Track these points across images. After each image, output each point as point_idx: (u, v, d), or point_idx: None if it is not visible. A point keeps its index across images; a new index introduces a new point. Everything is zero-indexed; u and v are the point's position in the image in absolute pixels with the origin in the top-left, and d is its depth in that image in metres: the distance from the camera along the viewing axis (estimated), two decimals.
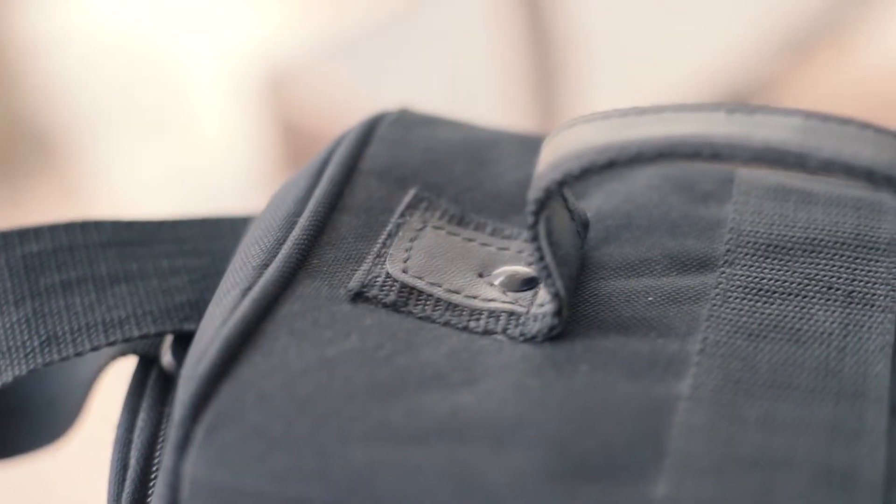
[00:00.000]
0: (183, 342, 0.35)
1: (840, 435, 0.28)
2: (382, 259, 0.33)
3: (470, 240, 0.35)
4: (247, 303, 0.31)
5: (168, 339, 0.36)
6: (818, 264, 0.33)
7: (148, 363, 0.36)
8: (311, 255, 0.33)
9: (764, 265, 0.33)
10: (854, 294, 0.32)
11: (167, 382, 0.35)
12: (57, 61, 1.52)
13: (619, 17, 1.27)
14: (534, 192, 0.30)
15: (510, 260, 0.34)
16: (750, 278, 0.32)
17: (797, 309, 0.32)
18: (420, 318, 0.32)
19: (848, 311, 0.31)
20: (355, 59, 1.26)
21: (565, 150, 0.30)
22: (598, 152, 0.30)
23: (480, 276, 0.33)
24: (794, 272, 0.33)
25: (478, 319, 0.32)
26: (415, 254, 0.34)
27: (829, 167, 0.28)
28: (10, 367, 0.34)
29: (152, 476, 0.33)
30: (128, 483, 0.33)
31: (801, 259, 0.33)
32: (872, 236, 0.33)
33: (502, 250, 0.34)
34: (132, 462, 0.33)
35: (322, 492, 0.28)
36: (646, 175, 0.36)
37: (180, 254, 0.37)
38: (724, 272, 0.33)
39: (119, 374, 0.39)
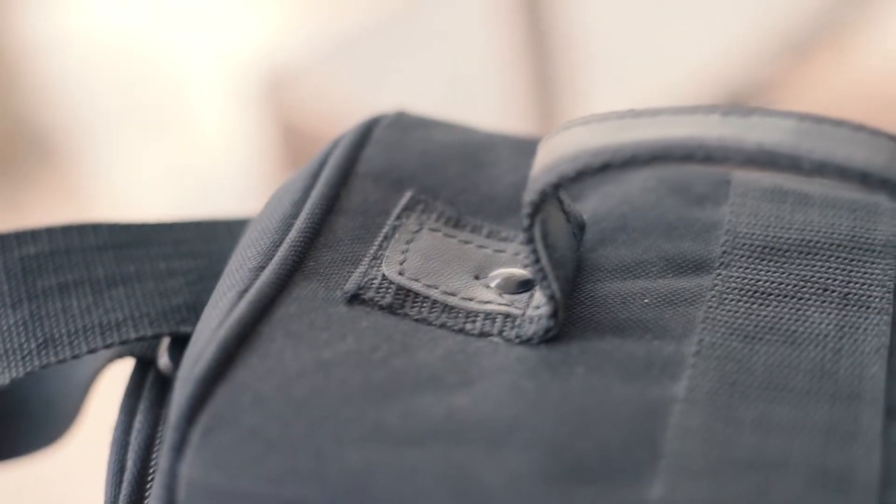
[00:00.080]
0: (180, 344, 0.35)
1: (835, 437, 0.28)
2: (379, 261, 0.33)
3: (466, 242, 0.35)
4: (243, 305, 0.31)
5: (165, 342, 0.36)
6: (814, 266, 0.33)
7: (145, 365, 0.36)
8: (307, 258, 0.33)
9: (760, 267, 0.33)
10: (850, 296, 0.32)
11: (164, 385, 0.35)
12: (57, 62, 1.52)
13: (619, 17, 1.27)
14: (529, 195, 0.30)
15: (506, 262, 0.34)
16: (746, 280, 0.32)
17: (793, 311, 0.32)
18: (416, 320, 0.32)
19: (844, 312, 0.32)
20: (355, 60, 1.26)
21: (561, 152, 0.30)
22: (594, 155, 0.30)
23: (477, 278, 0.33)
24: (790, 274, 0.33)
25: (474, 321, 0.32)
26: (411, 256, 0.34)
27: (823, 169, 0.28)
28: (8, 369, 0.34)
29: (149, 478, 0.33)
30: (125, 485, 0.33)
31: (797, 261, 0.33)
32: (868, 238, 0.34)
33: (498, 252, 0.34)
34: (129, 464, 0.34)
35: (318, 494, 0.28)
36: (642, 177, 0.36)
37: (177, 256, 0.37)
38: (720, 274, 0.33)
39: (116, 377, 0.39)
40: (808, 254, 0.33)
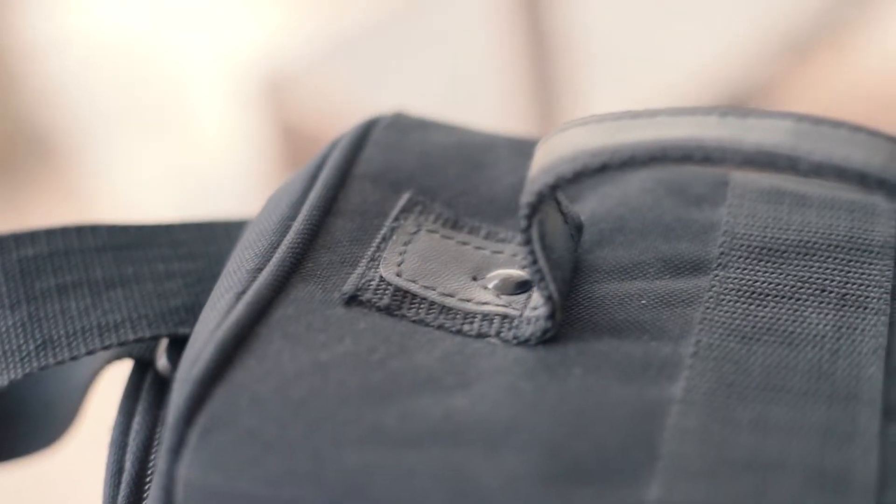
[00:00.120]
0: (178, 346, 0.35)
1: (833, 437, 0.28)
2: (376, 263, 0.33)
3: (464, 243, 0.35)
4: (241, 306, 0.31)
5: (163, 343, 0.36)
6: (812, 267, 0.33)
7: (143, 367, 0.36)
8: (305, 259, 0.33)
9: (757, 268, 0.33)
10: (847, 297, 0.32)
11: (162, 386, 0.35)
12: (57, 63, 1.52)
13: (619, 17, 1.27)
14: (526, 196, 0.30)
15: (504, 263, 0.34)
16: (743, 281, 0.32)
17: (790, 312, 0.32)
18: (414, 321, 0.32)
19: (841, 313, 0.32)
20: (355, 61, 1.26)
21: (558, 153, 0.30)
22: (591, 156, 0.30)
23: (474, 279, 0.34)
24: (788, 275, 0.33)
25: (471, 323, 0.32)
26: (409, 257, 0.34)
27: (820, 170, 0.28)
28: (6, 370, 0.34)
29: (147, 479, 0.33)
30: (123, 486, 0.33)
31: (795, 262, 0.33)
32: (866, 239, 0.34)
33: (496, 254, 0.34)
34: (127, 465, 0.34)
35: (316, 495, 0.28)
36: (640, 178, 0.36)
37: (175, 257, 0.37)
38: (717, 275, 0.33)
39: (115, 378, 0.39)
40: (806, 255, 0.33)
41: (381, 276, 0.33)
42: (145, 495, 0.33)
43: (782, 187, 0.35)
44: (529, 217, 0.30)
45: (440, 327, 0.32)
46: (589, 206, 0.35)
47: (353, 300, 0.32)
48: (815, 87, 1.26)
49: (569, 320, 0.32)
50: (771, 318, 0.31)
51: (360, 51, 1.28)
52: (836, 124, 0.29)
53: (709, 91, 1.19)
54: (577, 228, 0.34)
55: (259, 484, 0.28)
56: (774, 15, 1.26)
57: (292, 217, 0.34)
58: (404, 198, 0.35)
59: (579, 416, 0.29)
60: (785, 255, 0.33)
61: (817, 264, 0.33)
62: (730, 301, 0.32)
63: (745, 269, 0.33)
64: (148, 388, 0.35)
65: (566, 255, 0.32)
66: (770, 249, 0.33)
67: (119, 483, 0.33)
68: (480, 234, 0.35)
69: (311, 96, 1.22)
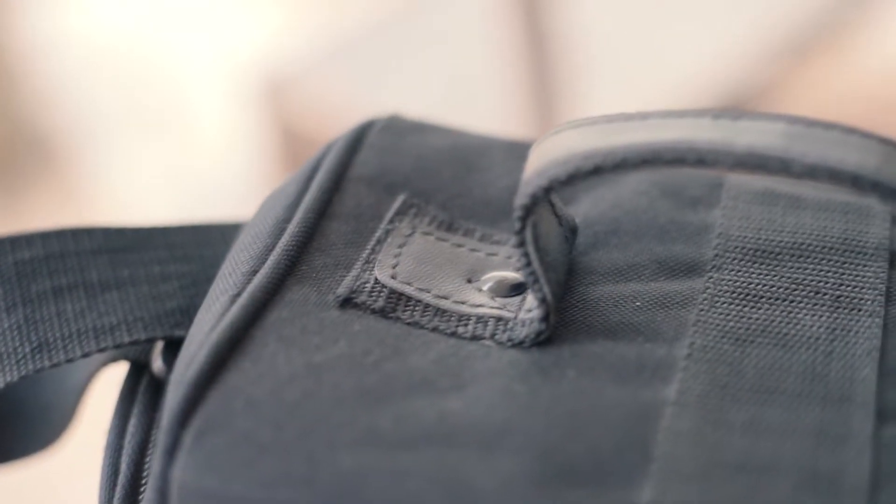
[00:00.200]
0: (173, 348, 0.35)
1: (826, 439, 0.28)
2: (371, 265, 0.33)
3: (459, 245, 0.35)
4: (235, 309, 0.31)
5: (159, 345, 0.36)
6: (806, 269, 0.33)
7: (139, 369, 0.36)
8: (300, 262, 0.33)
9: (752, 270, 0.33)
10: (841, 298, 0.32)
11: (158, 388, 0.35)
12: (56, 64, 1.52)
13: (619, 18, 1.27)
14: (520, 198, 0.30)
15: (498, 265, 0.34)
16: (737, 283, 0.32)
17: (784, 314, 0.32)
18: (408, 323, 0.32)
19: (835, 315, 0.32)
20: (354, 62, 1.26)
21: (552, 155, 0.30)
22: (584, 158, 0.30)
23: (469, 281, 0.34)
24: (782, 277, 0.33)
25: (466, 325, 0.32)
26: (403, 260, 0.34)
27: (813, 172, 0.29)
28: (2, 373, 0.35)
29: (142, 481, 0.33)
30: (118, 488, 0.33)
31: (789, 264, 0.33)
32: (860, 241, 0.34)
33: (491, 256, 0.34)
34: (123, 467, 0.34)
35: (310, 498, 0.28)
36: (634, 180, 0.36)
37: (171, 260, 0.37)
38: (711, 277, 0.33)
39: (110, 380, 0.39)
40: (800, 256, 0.33)
41: (376, 279, 0.33)
42: (141, 498, 0.33)
43: (777, 189, 0.35)
44: (523, 219, 0.30)
45: (435, 329, 0.32)
46: (583, 208, 0.36)
47: (347, 302, 0.32)
48: (814, 88, 1.26)
49: (563, 322, 0.32)
50: (765, 319, 0.31)
51: (360, 51, 1.27)
52: (829, 126, 0.29)
53: (708, 92, 1.19)
54: (572, 231, 0.34)
55: (253, 486, 0.28)
56: (774, 16, 1.26)
57: (287, 220, 0.34)
58: (399, 200, 0.35)
59: (573, 418, 0.29)
60: (779, 257, 0.33)
61: (811, 266, 0.33)
62: (724, 303, 0.32)
63: (739, 270, 0.33)
64: (143, 390, 0.35)
65: (560, 258, 0.32)
66: (764, 251, 0.33)
67: (114, 485, 0.33)
68: (475, 236, 0.35)
69: (310, 98, 1.22)
